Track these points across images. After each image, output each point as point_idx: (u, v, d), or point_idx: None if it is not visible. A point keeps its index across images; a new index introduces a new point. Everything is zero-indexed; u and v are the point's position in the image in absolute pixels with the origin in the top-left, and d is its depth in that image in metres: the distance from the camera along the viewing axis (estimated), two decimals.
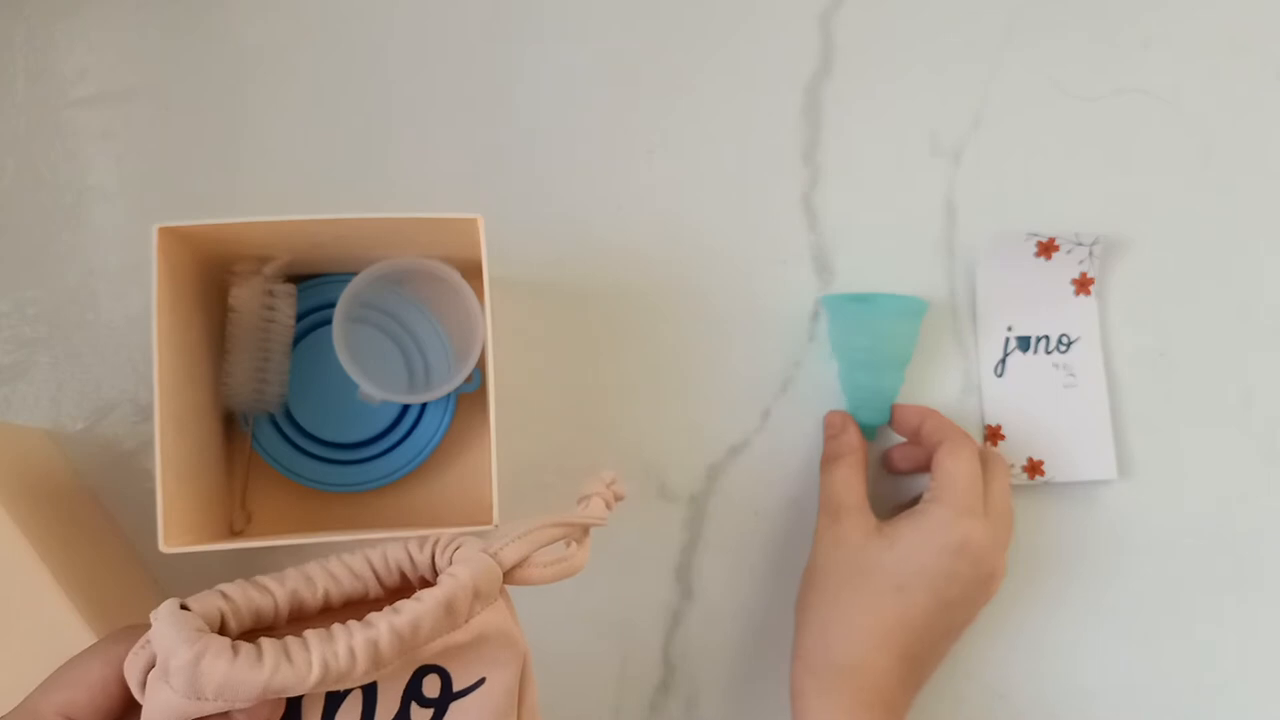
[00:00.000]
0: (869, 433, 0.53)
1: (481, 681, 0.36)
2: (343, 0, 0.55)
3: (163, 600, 0.34)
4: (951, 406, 0.55)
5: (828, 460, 0.52)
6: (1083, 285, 0.54)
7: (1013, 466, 0.54)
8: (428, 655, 0.35)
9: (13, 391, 0.53)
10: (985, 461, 0.51)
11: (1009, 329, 0.54)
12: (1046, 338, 0.55)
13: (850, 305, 0.53)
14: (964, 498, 0.48)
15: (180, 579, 0.53)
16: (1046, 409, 0.54)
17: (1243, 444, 0.55)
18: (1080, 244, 0.54)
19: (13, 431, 0.52)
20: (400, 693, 0.35)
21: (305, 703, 0.34)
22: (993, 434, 0.54)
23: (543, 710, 0.54)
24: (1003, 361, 0.55)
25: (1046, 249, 0.54)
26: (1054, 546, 0.54)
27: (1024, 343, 0.55)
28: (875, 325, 0.53)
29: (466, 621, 0.35)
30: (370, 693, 0.35)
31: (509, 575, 0.36)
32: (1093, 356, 0.54)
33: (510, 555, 0.36)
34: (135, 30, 0.55)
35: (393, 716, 0.35)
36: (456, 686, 0.36)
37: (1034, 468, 0.54)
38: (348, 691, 0.34)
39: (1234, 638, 0.54)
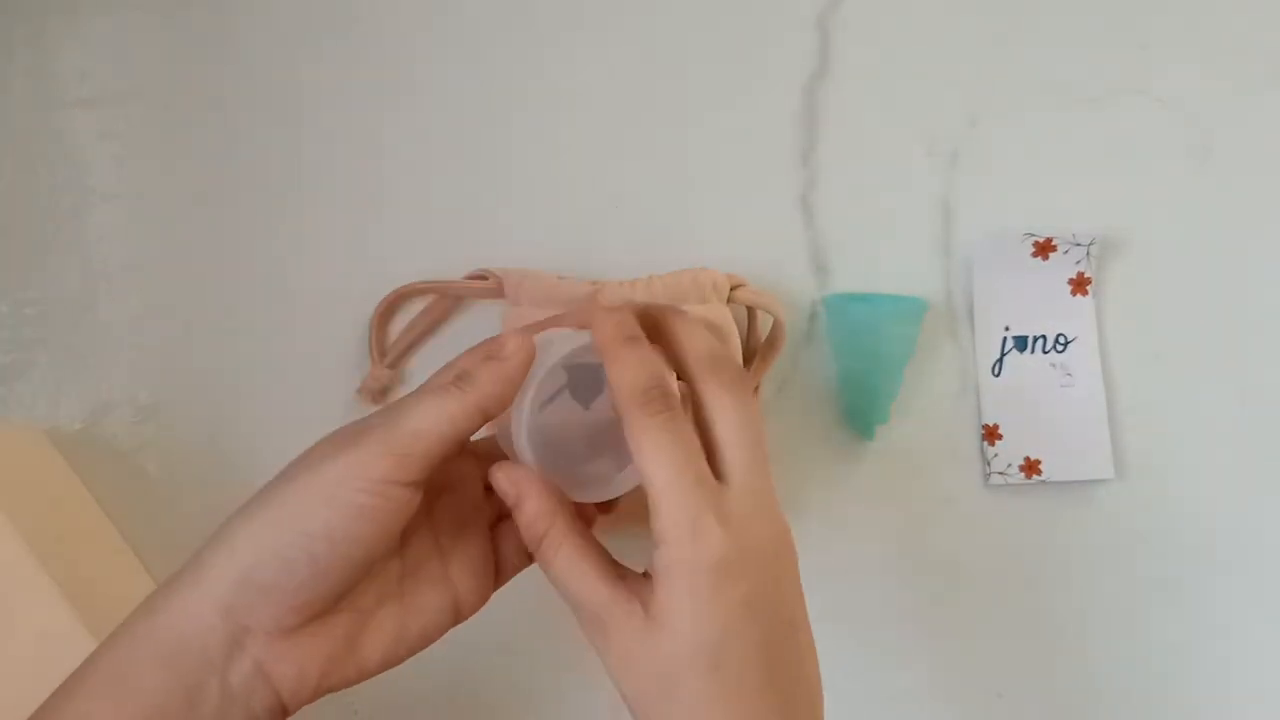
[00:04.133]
0: (868, 433, 0.53)
1: None
2: (342, 0, 0.55)
3: None
4: (948, 406, 0.55)
5: (533, 549, 0.38)
6: (1080, 285, 0.55)
7: (1010, 466, 0.54)
8: None
9: (11, 391, 0.53)
10: (696, 385, 0.38)
11: (1006, 329, 0.55)
12: (1043, 337, 0.55)
13: (851, 305, 0.53)
14: (679, 517, 0.35)
15: None
16: (1043, 409, 0.54)
17: (1239, 444, 0.55)
18: (1077, 244, 0.54)
19: (11, 431, 0.52)
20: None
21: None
22: (990, 433, 0.54)
23: (541, 710, 0.54)
24: (1000, 361, 0.55)
25: (1043, 249, 0.54)
26: (1051, 546, 0.54)
27: (1021, 342, 0.55)
28: (875, 325, 0.53)
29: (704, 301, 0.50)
30: None
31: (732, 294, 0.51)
32: (1090, 356, 0.54)
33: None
34: (135, 31, 0.55)
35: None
36: None
37: (1031, 467, 0.54)
38: None
39: (1231, 637, 0.54)
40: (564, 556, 0.37)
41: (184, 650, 0.34)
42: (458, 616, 0.40)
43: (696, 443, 0.37)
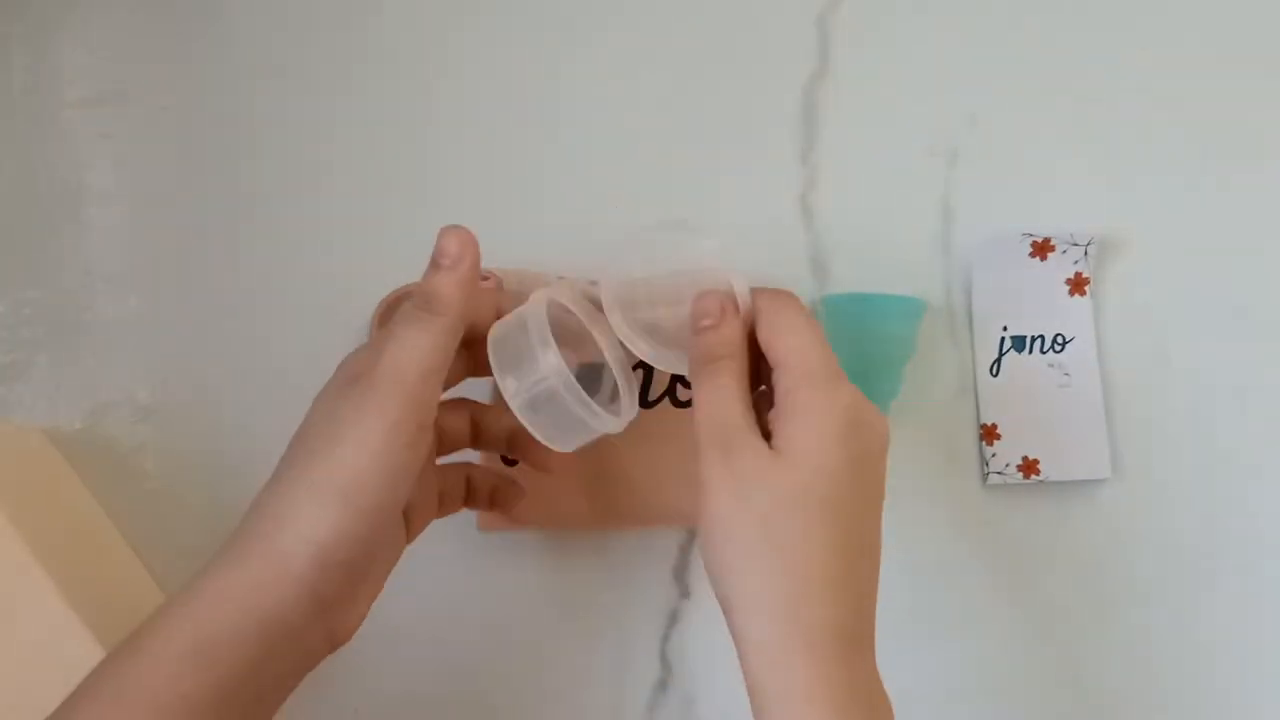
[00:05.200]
0: None
1: None
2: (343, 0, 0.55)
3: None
4: (947, 406, 0.55)
5: (700, 364, 0.42)
6: (1078, 285, 0.55)
7: (1008, 466, 0.54)
8: None
9: (10, 391, 0.53)
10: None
11: (1004, 329, 0.55)
12: (1042, 337, 0.55)
13: (849, 305, 0.53)
14: (822, 366, 0.40)
15: (179, 579, 0.53)
16: (1042, 408, 0.54)
17: (1237, 443, 0.55)
18: (1075, 244, 0.54)
19: (11, 431, 0.52)
20: (669, 375, 0.50)
21: (605, 370, 0.45)
22: (988, 433, 0.54)
23: (540, 709, 0.54)
24: (998, 361, 0.55)
25: (1042, 249, 0.54)
26: (1049, 545, 0.55)
27: (1019, 342, 0.55)
28: (874, 325, 0.53)
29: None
30: (649, 372, 0.50)
31: None
32: (1088, 356, 0.55)
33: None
34: (133, 31, 0.55)
35: (664, 389, 0.51)
36: None
37: (1029, 467, 0.54)
38: (635, 369, 0.46)
39: (1229, 637, 0.54)
40: (723, 382, 0.41)
41: (269, 625, 0.37)
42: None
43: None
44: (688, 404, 0.52)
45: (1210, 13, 0.56)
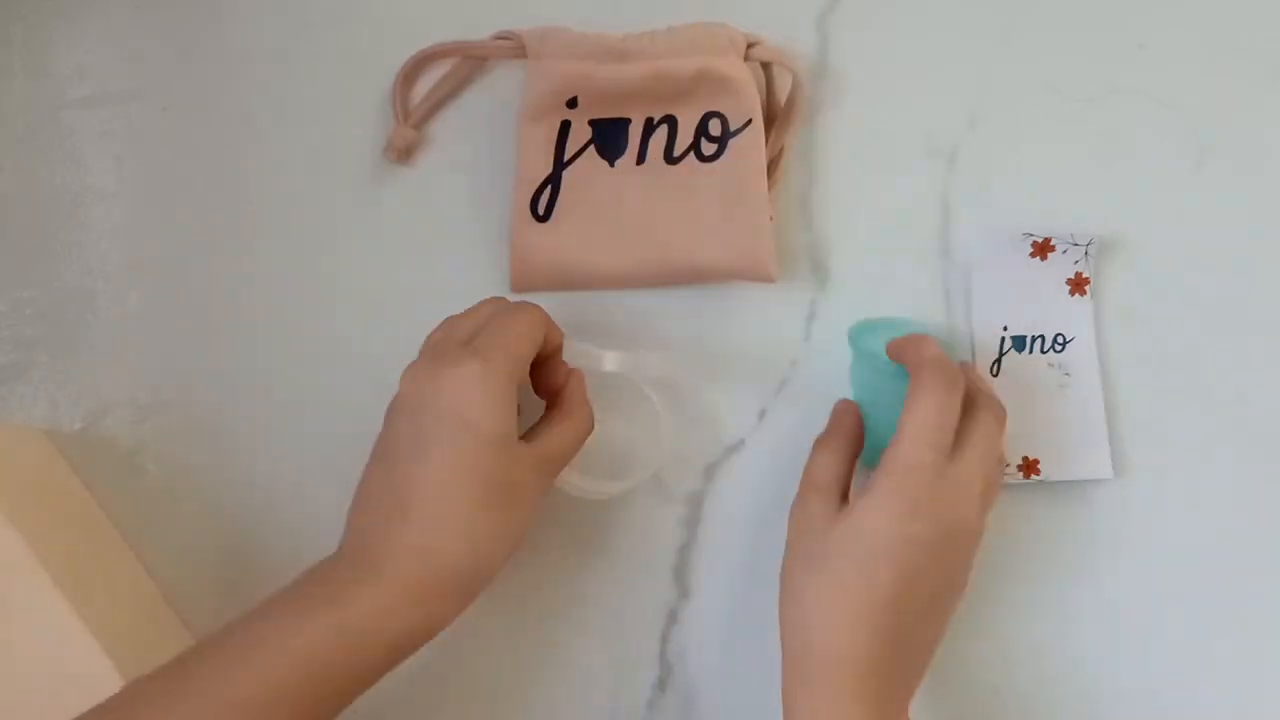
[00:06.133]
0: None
1: (749, 122, 0.52)
2: None
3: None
4: None
5: (815, 445, 0.51)
6: (1078, 285, 0.55)
7: (1008, 466, 0.54)
8: (710, 104, 0.52)
9: (10, 391, 0.53)
10: (972, 402, 0.48)
11: (1004, 329, 0.55)
12: (1042, 337, 0.55)
13: (874, 344, 0.51)
14: (914, 446, 0.45)
15: (179, 579, 0.53)
16: (1042, 408, 0.54)
17: (1237, 443, 0.55)
18: (1076, 244, 0.54)
19: (11, 431, 0.52)
20: (693, 128, 0.52)
21: (631, 126, 0.52)
22: None
23: (540, 709, 0.54)
24: (998, 361, 0.55)
25: (1042, 249, 0.54)
26: (1049, 545, 0.54)
27: (1019, 342, 0.55)
28: (899, 369, 0.49)
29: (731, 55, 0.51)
30: (673, 127, 0.52)
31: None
32: (1088, 356, 0.55)
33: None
34: (134, 30, 0.55)
35: (689, 143, 0.52)
36: (732, 127, 0.52)
37: (1030, 467, 0.54)
38: (658, 125, 0.52)
39: (1229, 637, 0.54)
40: (830, 448, 0.50)
41: (388, 653, 0.43)
42: None
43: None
44: (711, 158, 0.52)
45: (1210, 13, 0.56)
